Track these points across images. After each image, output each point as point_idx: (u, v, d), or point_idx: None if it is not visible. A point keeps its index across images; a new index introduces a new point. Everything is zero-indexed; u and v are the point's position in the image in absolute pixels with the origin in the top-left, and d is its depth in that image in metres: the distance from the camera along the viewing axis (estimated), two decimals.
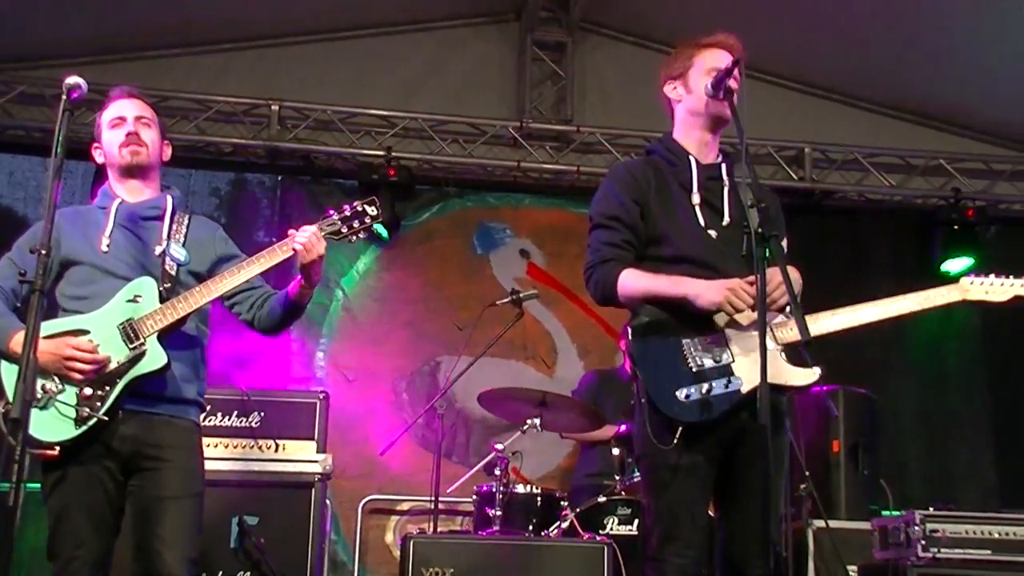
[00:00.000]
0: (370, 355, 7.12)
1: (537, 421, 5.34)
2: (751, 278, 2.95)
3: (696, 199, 3.20)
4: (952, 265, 7.47)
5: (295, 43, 7.41)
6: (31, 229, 3.37)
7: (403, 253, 7.32)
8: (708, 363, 3.01)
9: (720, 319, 3.05)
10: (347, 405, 6.68)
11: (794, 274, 3.09)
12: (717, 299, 2.97)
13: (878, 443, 6.52)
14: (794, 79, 7.77)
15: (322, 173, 7.48)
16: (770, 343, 2.93)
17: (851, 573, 5.53)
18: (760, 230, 2.87)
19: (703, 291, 3.00)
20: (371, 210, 3.33)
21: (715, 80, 3.19)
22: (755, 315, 2.93)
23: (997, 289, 3.35)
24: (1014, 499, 6.33)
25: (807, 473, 5.54)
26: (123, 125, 3.42)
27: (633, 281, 3.10)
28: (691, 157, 3.27)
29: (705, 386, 2.97)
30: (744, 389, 2.97)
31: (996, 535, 4.99)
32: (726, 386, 2.98)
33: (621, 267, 3.12)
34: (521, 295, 5.58)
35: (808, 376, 3.03)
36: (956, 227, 7.49)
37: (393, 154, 7.17)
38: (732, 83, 3.18)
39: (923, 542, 4.94)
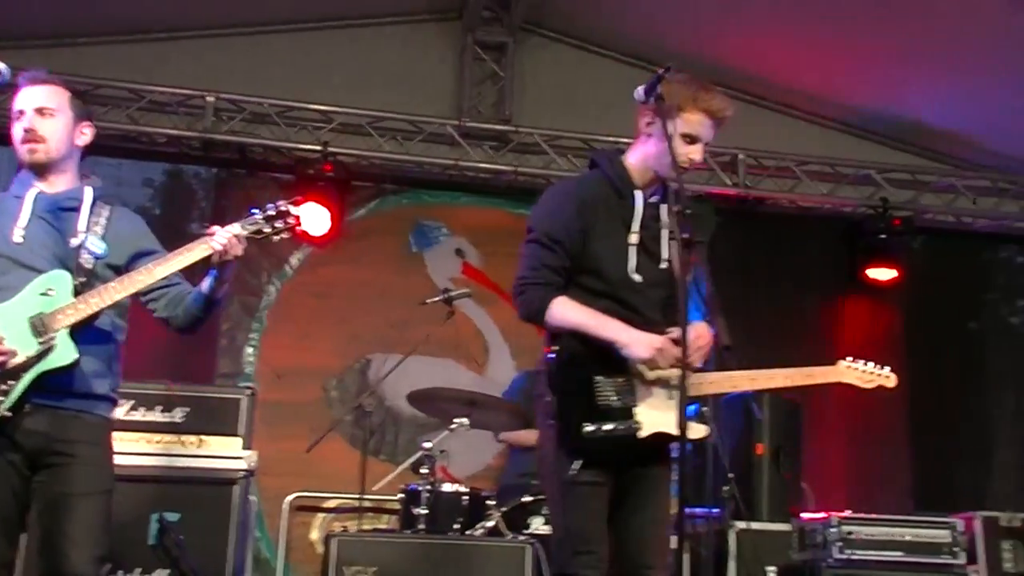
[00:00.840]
0: (301, 351, 7.09)
1: (466, 420, 5.36)
2: (676, 336, 3.00)
3: (634, 239, 3.23)
4: (876, 274, 7.64)
5: (233, 35, 7.35)
6: None
7: (338, 249, 7.28)
8: (615, 403, 3.12)
9: (640, 367, 3.13)
10: (276, 401, 6.65)
11: (706, 332, 3.16)
12: (644, 355, 3.06)
13: (801, 446, 6.63)
14: (730, 85, 7.85)
15: (258, 167, 7.43)
16: (672, 396, 3.13)
17: (770, 573, 5.62)
18: (686, 236, 2.92)
19: (632, 343, 3.07)
20: (295, 210, 3.31)
21: (648, 86, 3.16)
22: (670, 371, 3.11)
23: (867, 376, 3.68)
24: (928, 502, 6.50)
25: (731, 475, 5.62)
26: (21, 119, 3.29)
27: (564, 312, 3.14)
28: (637, 194, 3.27)
29: (608, 425, 3.08)
30: (641, 434, 3.10)
31: (908, 537, 5.14)
32: (625, 428, 3.09)
33: (555, 294, 3.16)
34: (452, 294, 5.60)
35: (699, 431, 3.27)
36: (882, 236, 7.64)
37: (330, 149, 7.13)
38: (697, 154, 3.19)
39: (839, 544, 5.08)
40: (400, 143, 7.42)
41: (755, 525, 5.84)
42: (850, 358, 3.67)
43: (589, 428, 3.06)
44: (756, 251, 7.85)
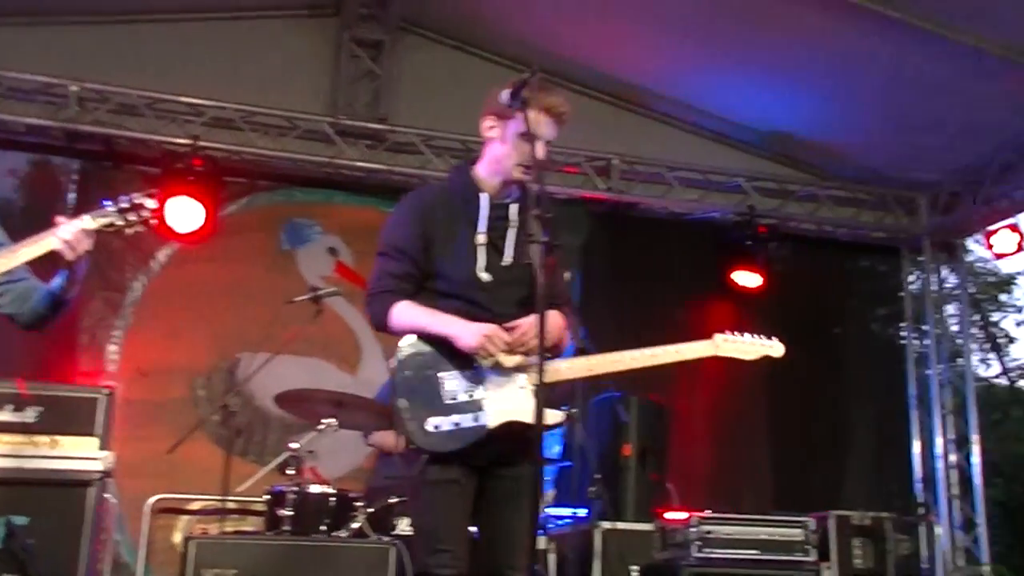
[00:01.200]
0: (168, 349, 6.93)
1: (334, 421, 5.30)
2: (510, 324, 3.13)
3: (481, 239, 3.27)
4: (742, 279, 7.87)
5: (99, 22, 7.12)
6: None
7: (207, 246, 7.12)
8: (461, 397, 3.15)
9: (482, 360, 3.16)
10: (142, 401, 6.47)
11: (558, 320, 3.21)
12: (472, 344, 3.11)
13: (667, 448, 6.77)
14: (605, 91, 8.00)
15: (125, 159, 7.23)
16: (525, 383, 3.15)
17: (633, 573, 5.72)
18: (545, 239, 2.95)
19: (462, 335, 3.13)
20: (149, 203, 3.23)
21: (514, 89, 3.19)
22: (519, 359, 3.13)
23: (747, 348, 3.48)
24: (786, 502, 6.71)
25: (597, 476, 5.71)
26: None
27: (403, 316, 3.20)
28: (482, 196, 3.32)
29: (455, 418, 3.11)
30: (491, 424, 3.12)
31: (764, 536, 5.30)
32: (474, 420, 3.12)
33: (396, 299, 3.21)
34: (320, 292, 5.54)
35: (555, 416, 3.20)
36: (748, 243, 7.86)
37: (200, 143, 6.98)
38: (540, 151, 3.19)
39: (698, 543, 5.20)
40: (273, 139, 7.31)
41: (620, 525, 5.94)
42: (727, 331, 3.47)
43: (433, 425, 3.09)
44: (628, 254, 8.00)
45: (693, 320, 7.65)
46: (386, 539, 4.80)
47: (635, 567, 5.73)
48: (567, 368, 3.27)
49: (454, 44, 7.85)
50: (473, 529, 3.28)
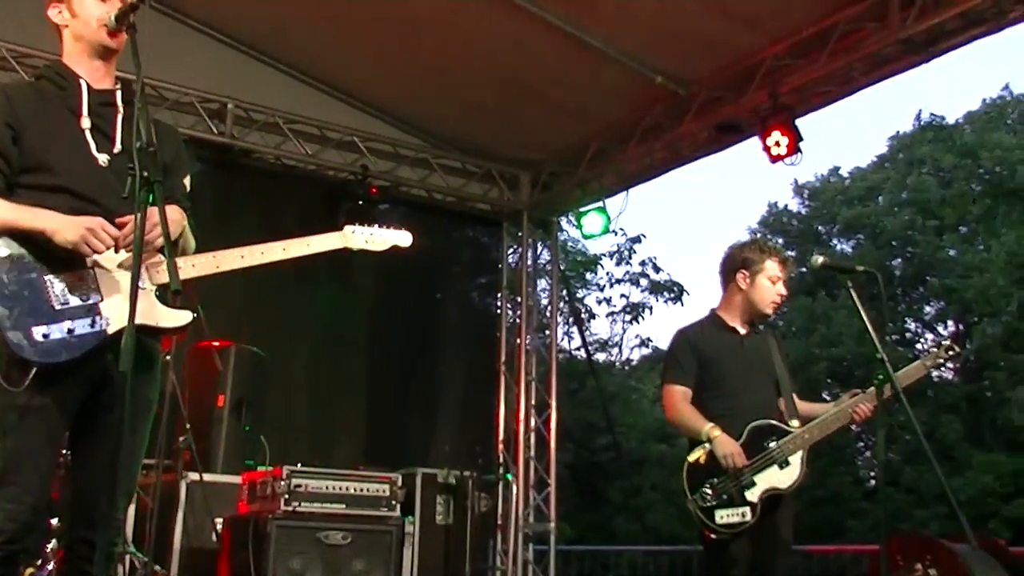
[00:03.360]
0: None
1: None
2: (122, 219, 2.88)
3: (86, 123, 3.02)
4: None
5: None
6: None
7: None
8: (74, 301, 2.86)
9: (89, 258, 2.90)
10: None
11: (175, 214, 3.02)
12: (73, 238, 2.84)
13: (264, 400, 6.69)
14: (225, 32, 7.70)
15: None
16: (144, 283, 2.90)
17: (217, 524, 5.61)
18: (145, 174, 2.76)
19: (61, 227, 2.84)
20: None
21: (119, 13, 3.00)
22: (126, 256, 2.87)
23: (377, 240, 3.50)
24: (375, 458, 6.87)
25: (188, 427, 5.52)
26: None
27: None
28: (82, 80, 3.07)
29: (67, 324, 2.82)
30: (111, 329, 2.86)
31: (352, 490, 5.39)
32: (91, 326, 2.85)
33: None
34: None
35: (181, 318, 3.00)
36: (360, 202, 7.92)
37: None
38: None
39: (286, 496, 5.19)
40: None
41: (208, 477, 5.80)
42: (357, 224, 3.48)
43: (42, 332, 2.77)
44: (242, 203, 7.79)
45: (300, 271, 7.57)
46: None
47: (219, 519, 5.63)
48: (192, 266, 3.06)
49: None
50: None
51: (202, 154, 7.57)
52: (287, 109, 7.88)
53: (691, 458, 4.18)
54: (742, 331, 4.45)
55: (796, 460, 4.18)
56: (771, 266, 4.42)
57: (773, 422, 4.24)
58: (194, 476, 5.70)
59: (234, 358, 6.36)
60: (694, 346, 4.41)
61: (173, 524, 5.65)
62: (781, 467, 4.17)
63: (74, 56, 3.12)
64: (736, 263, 4.48)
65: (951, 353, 4.40)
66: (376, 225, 3.56)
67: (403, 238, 3.58)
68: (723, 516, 4.09)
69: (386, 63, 7.77)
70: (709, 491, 4.10)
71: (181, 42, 7.39)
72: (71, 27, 3.10)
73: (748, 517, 4.08)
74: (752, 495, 4.11)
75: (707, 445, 4.15)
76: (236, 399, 6.33)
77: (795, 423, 4.25)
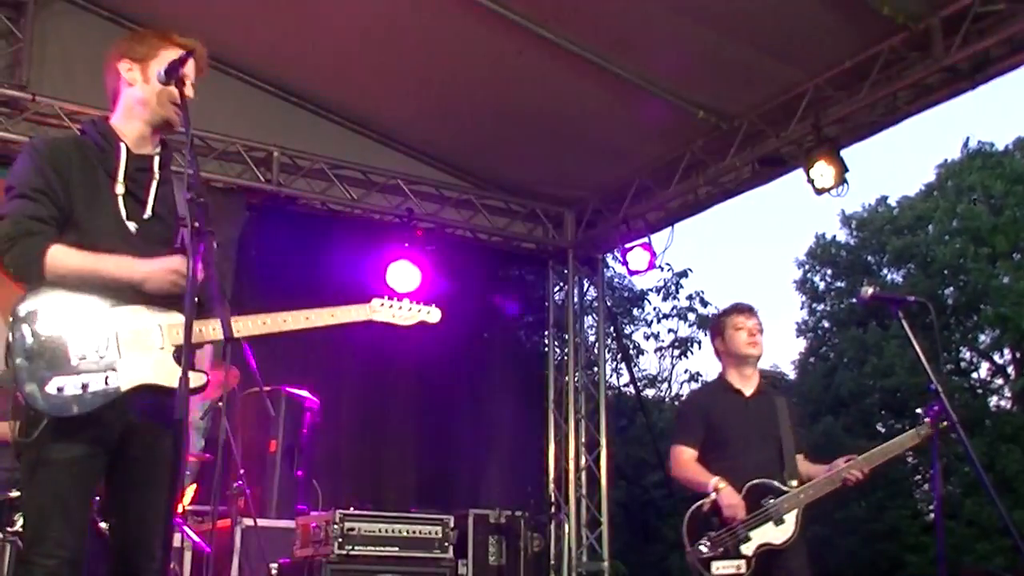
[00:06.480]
0: None
1: None
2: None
3: (119, 189, 3.04)
4: (398, 279, 7.93)
5: None
6: None
7: None
8: (92, 357, 2.88)
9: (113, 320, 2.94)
10: None
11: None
12: (166, 288, 2.92)
13: (315, 444, 6.71)
14: (269, 82, 7.84)
15: None
16: (163, 343, 2.95)
17: (272, 570, 5.62)
18: (196, 224, 2.81)
19: (148, 277, 2.92)
20: None
21: (174, 79, 3.04)
22: (148, 314, 2.94)
23: (404, 314, 3.47)
24: (426, 499, 6.86)
25: (241, 471, 5.55)
26: None
27: (66, 259, 2.90)
28: (122, 144, 3.09)
29: (82, 379, 2.84)
30: (124, 387, 2.89)
31: (405, 533, 5.38)
32: (104, 383, 2.87)
33: (47, 242, 2.90)
34: None
35: (197, 379, 2.93)
36: (407, 244, 7.96)
37: None
38: (188, 90, 3.06)
39: (340, 540, 5.19)
40: None
41: (262, 522, 5.81)
42: (385, 297, 3.42)
43: (57, 386, 2.80)
44: (290, 247, 7.85)
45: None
46: (2, 535, 4.41)
47: (275, 564, 5.64)
48: (212, 330, 3.04)
49: (107, 16, 7.33)
50: (104, 526, 3.04)
51: (250, 202, 7.69)
52: (332, 155, 7.98)
53: (696, 505, 4.48)
54: (747, 393, 4.72)
55: (791, 518, 4.42)
56: (731, 320, 4.78)
57: (771, 481, 4.49)
58: (248, 522, 5.72)
59: (285, 402, 6.41)
60: (701, 410, 4.80)
61: (229, 570, 5.67)
62: (776, 524, 4.41)
63: (125, 117, 3.13)
64: (712, 336, 4.94)
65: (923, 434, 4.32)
66: (405, 300, 3.49)
67: (432, 315, 3.52)
68: (719, 567, 4.34)
69: (428, 107, 7.86)
70: (707, 543, 4.36)
71: (225, 92, 7.51)
72: (139, 89, 3.11)
73: (743, 570, 4.33)
74: (747, 549, 4.37)
75: (713, 495, 4.42)
76: (288, 443, 6.37)
77: (793, 483, 4.49)
